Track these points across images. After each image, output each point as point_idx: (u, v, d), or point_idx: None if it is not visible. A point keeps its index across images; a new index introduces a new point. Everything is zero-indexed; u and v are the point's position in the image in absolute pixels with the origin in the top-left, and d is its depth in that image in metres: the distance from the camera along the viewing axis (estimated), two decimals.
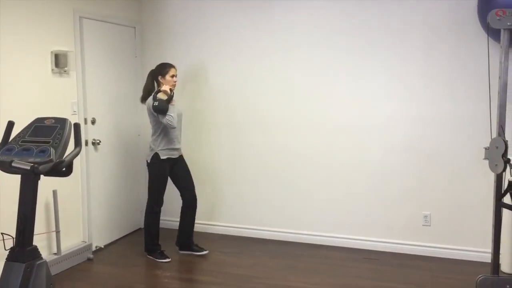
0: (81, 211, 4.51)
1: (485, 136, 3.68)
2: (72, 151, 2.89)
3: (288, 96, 4.79)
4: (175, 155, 4.38)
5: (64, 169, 2.84)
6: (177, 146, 4.38)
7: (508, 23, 3.42)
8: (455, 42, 4.22)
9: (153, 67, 5.19)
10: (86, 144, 4.52)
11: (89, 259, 4.42)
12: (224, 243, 4.86)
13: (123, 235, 5.09)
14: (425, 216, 4.42)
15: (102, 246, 4.71)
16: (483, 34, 3.93)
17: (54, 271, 3.86)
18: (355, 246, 4.64)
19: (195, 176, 4.60)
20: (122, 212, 5.07)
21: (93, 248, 4.57)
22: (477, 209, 4.24)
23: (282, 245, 4.79)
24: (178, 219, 4.54)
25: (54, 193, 4.07)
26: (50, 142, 2.81)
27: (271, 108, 4.84)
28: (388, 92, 4.46)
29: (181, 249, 4.53)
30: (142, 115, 5.29)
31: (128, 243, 4.92)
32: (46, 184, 3.29)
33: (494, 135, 3.56)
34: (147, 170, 4.48)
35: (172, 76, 4.32)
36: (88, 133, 4.54)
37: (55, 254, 4.14)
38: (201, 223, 5.17)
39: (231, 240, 4.96)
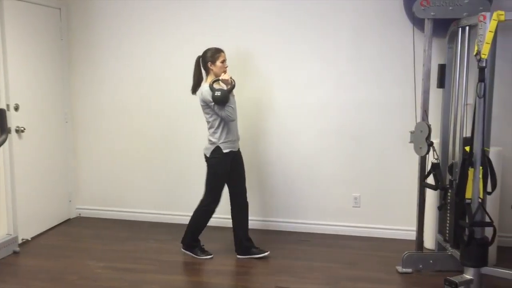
0: (5, 202, 4.27)
1: (410, 121, 3.87)
2: None
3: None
4: (236, 147, 4.04)
5: None
6: (236, 137, 4.04)
7: (432, 13, 3.62)
8: (383, 30, 4.39)
9: (80, 50, 5.04)
10: (9, 131, 4.26)
11: (15, 253, 4.21)
12: (159, 231, 4.81)
13: (52, 226, 4.89)
14: (355, 198, 4.60)
15: (29, 239, 4.50)
16: (409, 23, 4.11)
17: None
18: (289, 229, 4.75)
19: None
20: (50, 202, 4.86)
21: (19, 241, 4.35)
22: (403, 190, 4.46)
23: (217, 230, 4.79)
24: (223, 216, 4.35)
25: None
26: None
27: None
28: (320, 77, 4.56)
29: (239, 254, 4.15)
30: (69, 100, 5.10)
31: (57, 234, 4.74)
32: None
33: (419, 119, 3.76)
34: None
35: (223, 62, 3.92)
36: (11, 120, 4.28)
37: None
38: (132, 211, 5.10)
39: (165, 227, 4.91)
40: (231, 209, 4.17)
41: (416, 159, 3.86)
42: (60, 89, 4.98)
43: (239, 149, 4.10)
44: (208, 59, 3.92)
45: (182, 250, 4.19)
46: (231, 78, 3.88)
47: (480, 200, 3.27)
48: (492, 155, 3.43)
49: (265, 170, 4.76)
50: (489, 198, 3.40)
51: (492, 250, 3.61)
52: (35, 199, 4.62)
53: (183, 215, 4.97)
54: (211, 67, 3.92)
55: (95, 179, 5.20)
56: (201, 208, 4.10)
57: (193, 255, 4.13)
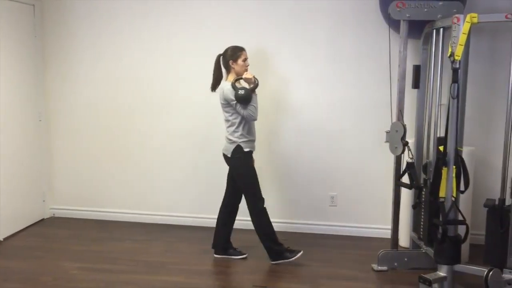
0: None
1: (386, 120, 3.92)
2: None
3: (197, 80, 4.76)
4: (254, 147, 3.97)
5: None
6: (255, 137, 3.97)
7: (407, 15, 3.67)
8: (360, 31, 4.43)
9: (55, 48, 4.96)
10: None
11: None
12: (135, 231, 4.76)
13: (25, 226, 4.79)
14: (332, 197, 4.64)
15: (1, 239, 4.41)
16: (385, 24, 4.16)
17: None
18: None
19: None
20: (23, 202, 4.77)
21: None
22: (379, 189, 4.52)
23: (194, 230, 4.80)
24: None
25: None
26: None
27: (172, 91, 4.80)
28: (298, 77, 4.58)
29: (217, 253, 4.13)
30: (43, 99, 5.01)
31: (31, 235, 4.65)
32: None
33: (395, 119, 3.81)
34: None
35: (244, 60, 3.86)
36: None
37: None
38: (108, 211, 5.05)
39: (141, 227, 4.87)
40: (223, 207, 4.13)
41: (391, 158, 3.92)
42: (34, 87, 4.88)
43: None
44: (230, 57, 3.86)
45: (272, 262, 3.99)
46: (254, 77, 3.82)
47: (453, 199, 3.34)
48: (465, 155, 3.50)
49: None
50: (462, 196, 3.46)
51: (464, 248, 3.68)
52: (7, 199, 4.52)
53: (159, 214, 4.97)
54: (232, 65, 3.87)
55: (69, 179, 5.12)
56: (254, 214, 3.95)
57: (285, 260, 3.95)
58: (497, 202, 3.44)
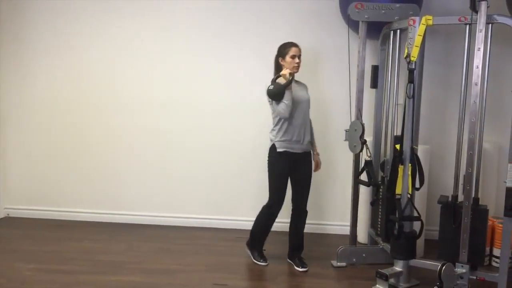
0: None
1: (345, 119, 3.98)
2: None
3: (156, 80, 4.72)
4: (295, 149, 3.75)
5: None
6: (298, 138, 3.74)
7: (366, 16, 3.75)
8: (319, 31, 4.50)
9: (10, 42, 4.80)
10: None
11: None
12: (93, 230, 4.67)
13: None
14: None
15: None
16: (344, 25, 4.22)
17: None
18: (226, 227, 4.77)
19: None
20: None
21: None
22: (338, 186, 4.60)
23: (154, 229, 4.75)
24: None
25: None
26: None
27: (144, 91, 4.74)
28: (257, 76, 4.59)
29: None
30: None
31: None
32: None
33: (353, 118, 3.88)
34: None
35: (293, 57, 3.67)
36: None
37: None
38: (66, 210, 4.93)
39: (100, 227, 4.78)
40: (291, 213, 4.03)
41: (350, 156, 3.99)
42: None
43: (305, 152, 3.84)
44: (279, 54, 3.76)
45: (246, 249, 4.07)
46: (290, 73, 3.66)
47: (409, 196, 3.43)
48: (420, 153, 3.60)
49: (200, 168, 4.75)
50: (417, 193, 3.57)
51: (420, 243, 3.79)
52: None
53: (119, 213, 4.89)
54: (282, 63, 3.74)
55: (25, 177, 4.97)
56: (263, 211, 3.91)
57: (250, 255, 4.01)
58: (450, 199, 3.56)
